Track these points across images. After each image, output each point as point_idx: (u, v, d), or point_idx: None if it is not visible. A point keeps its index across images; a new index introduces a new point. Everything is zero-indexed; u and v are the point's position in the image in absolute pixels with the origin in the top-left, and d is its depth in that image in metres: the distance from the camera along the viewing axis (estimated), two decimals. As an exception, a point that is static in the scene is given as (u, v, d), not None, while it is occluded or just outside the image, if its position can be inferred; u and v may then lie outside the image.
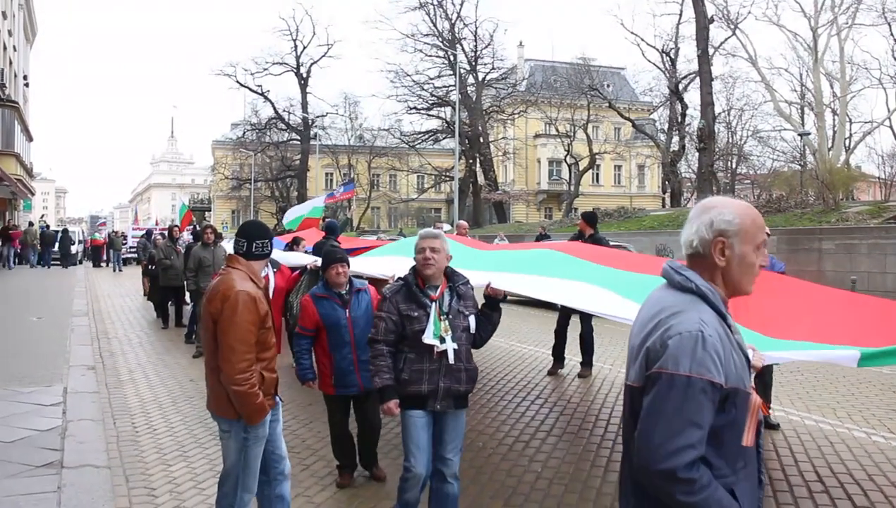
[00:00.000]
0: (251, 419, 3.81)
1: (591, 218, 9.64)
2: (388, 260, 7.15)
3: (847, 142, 43.67)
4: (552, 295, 5.29)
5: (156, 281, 14.62)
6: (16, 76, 39.63)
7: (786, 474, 5.69)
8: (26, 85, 43.89)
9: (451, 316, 4.22)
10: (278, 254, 8.66)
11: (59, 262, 33.89)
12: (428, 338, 4.12)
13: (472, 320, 4.32)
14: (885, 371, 9.41)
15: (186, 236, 17.43)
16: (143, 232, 28.42)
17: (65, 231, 38.01)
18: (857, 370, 9.57)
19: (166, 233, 15.67)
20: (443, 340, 4.14)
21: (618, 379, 9.14)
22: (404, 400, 4.20)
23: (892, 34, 41.15)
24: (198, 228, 15.46)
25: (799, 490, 5.33)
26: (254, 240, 3.94)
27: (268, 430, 3.96)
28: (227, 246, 15.18)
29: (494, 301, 4.40)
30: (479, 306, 4.46)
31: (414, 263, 4.40)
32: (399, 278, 4.44)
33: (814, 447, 6.40)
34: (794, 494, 5.27)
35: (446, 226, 31.86)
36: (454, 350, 4.17)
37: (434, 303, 4.21)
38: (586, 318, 9.25)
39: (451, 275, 4.36)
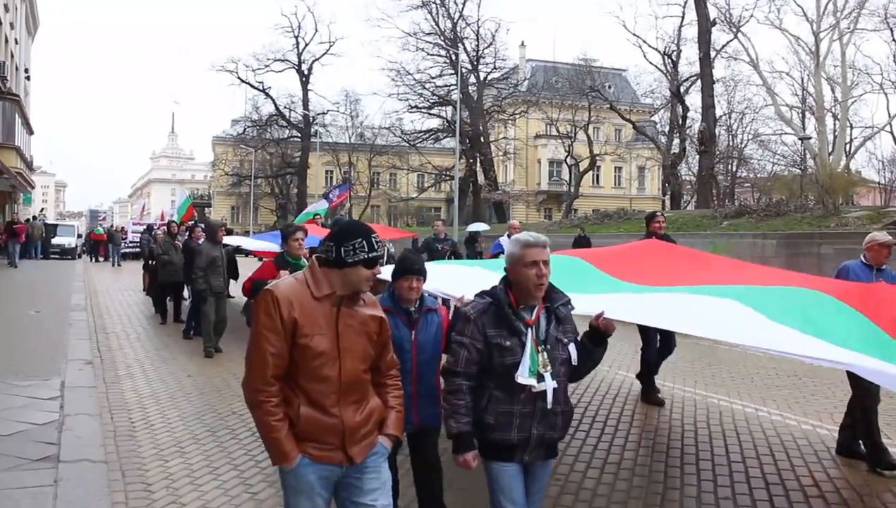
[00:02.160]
0: (270, 456, 3.00)
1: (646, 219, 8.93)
2: (453, 274, 6.07)
3: (847, 146, 43.77)
4: (685, 324, 4.34)
5: (155, 276, 14.64)
6: (17, 69, 39.61)
7: (782, 478, 5.69)
8: (27, 78, 43.88)
9: (548, 346, 3.36)
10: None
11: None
12: (523, 376, 3.26)
13: (572, 349, 3.45)
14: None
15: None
16: (144, 227, 28.38)
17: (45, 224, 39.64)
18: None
19: (165, 228, 15.67)
20: (541, 378, 3.29)
21: (615, 381, 9.14)
22: (488, 450, 3.39)
23: (893, 39, 41.25)
24: (199, 225, 15.41)
25: (795, 495, 5.34)
26: (341, 243, 2.95)
27: (313, 490, 2.99)
28: (235, 240, 15.20)
29: (602, 335, 3.48)
30: (580, 336, 3.59)
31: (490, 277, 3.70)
32: (483, 293, 3.50)
33: (810, 451, 6.41)
34: (790, 499, 5.27)
35: (480, 225, 31.01)
36: (553, 389, 3.33)
37: (530, 330, 3.34)
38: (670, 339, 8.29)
39: (548, 294, 3.43)
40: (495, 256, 11.81)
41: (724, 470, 5.87)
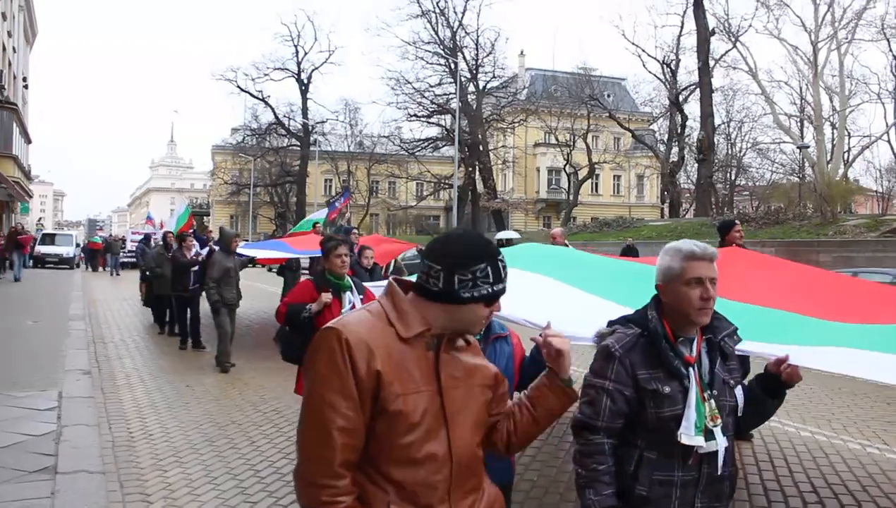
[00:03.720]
0: None
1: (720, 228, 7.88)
2: (528, 290, 4.58)
3: (846, 155, 43.83)
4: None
5: (151, 287, 14.65)
6: (15, 78, 39.67)
7: (781, 485, 5.68)
8: (25, 87, 43.93)
9: (715, 391, 2.53)
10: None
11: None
12: (689, 434, 2.43)
13: (739, 394, 2.63)
14: (880, 383, 9.40)
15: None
16: (142, 236, 28.13)
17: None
18: (852, 382, 9.57)
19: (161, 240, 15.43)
20: (709, 434, 2.46)
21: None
22: None
23: (890, 50, 41.49)
24: (200, 234, 15.26)
25: (793, 501, 5.33)
26: (455, 268, 1.96)
27: None
28: (250, 251, 14.78)
29: (783, 385, 2.63)
30: (750, 382, 2.74)
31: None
32: (628, 319, 2.65)
33: (808, 458, 6.40)
34: (789, 505, 5.26)
35: (510, 233, 29.39)
36: (725, 448, 2.50)
37: (692, 370, 2.50)
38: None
39: (710, 321, 2.56)
40: None
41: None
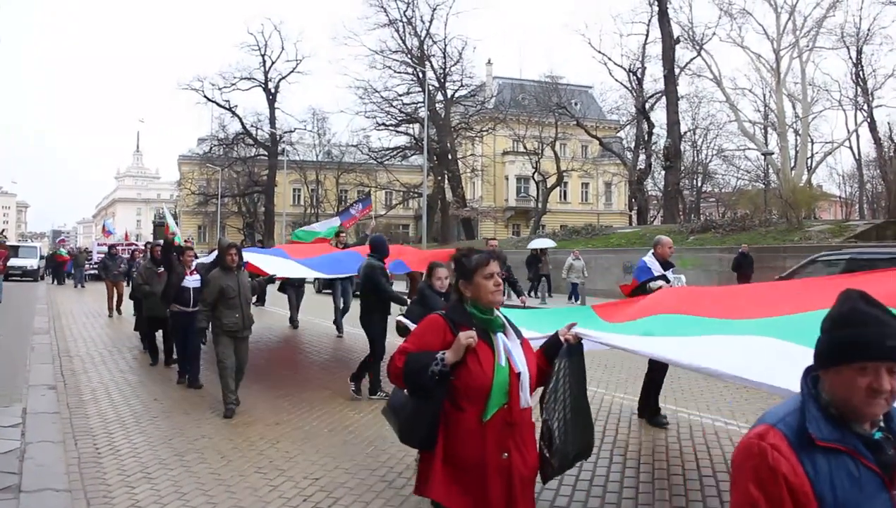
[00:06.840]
0: None
1: None
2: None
3: (809, 161, 44.67)
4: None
5: (141, 307, 12.70)
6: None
7: (715, 471, 5.70)
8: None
9: None
10: None
11: None
12: None
13: None
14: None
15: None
16: (107, 248, 27.36)
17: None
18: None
19: (147, 252, 13.36)
20: None
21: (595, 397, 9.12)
22: None
23: (850, 57, 42.33)
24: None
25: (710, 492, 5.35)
26: None
27: None
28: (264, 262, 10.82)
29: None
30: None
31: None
32: None
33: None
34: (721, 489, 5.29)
35: (546, 242, 27.35)
36: None
37: None
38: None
39: None
40: (641, 286, 7.50)
41: (696, 485, 5.87)
